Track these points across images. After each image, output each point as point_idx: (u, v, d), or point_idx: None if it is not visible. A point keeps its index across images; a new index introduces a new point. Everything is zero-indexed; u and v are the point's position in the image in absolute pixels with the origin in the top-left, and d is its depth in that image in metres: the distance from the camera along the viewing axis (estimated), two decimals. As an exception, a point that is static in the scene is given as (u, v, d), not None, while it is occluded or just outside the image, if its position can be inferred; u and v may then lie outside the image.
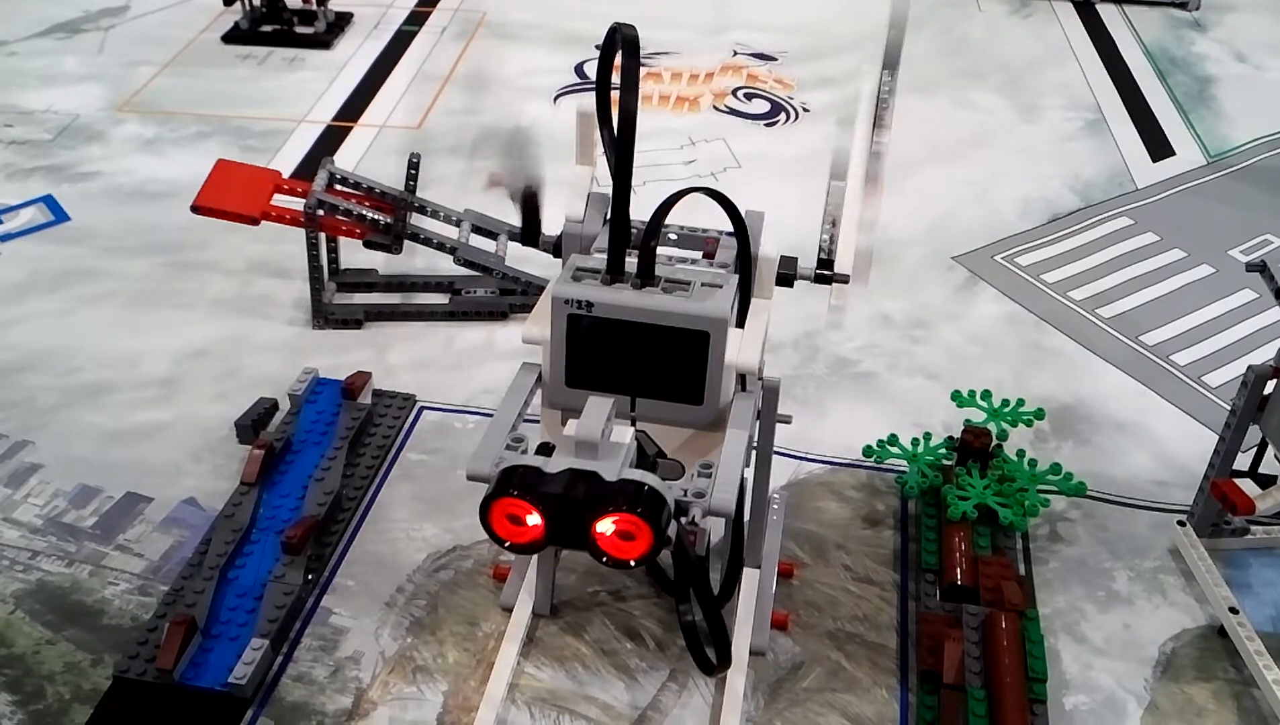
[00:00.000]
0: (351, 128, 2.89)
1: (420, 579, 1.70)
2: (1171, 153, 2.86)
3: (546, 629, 1.62)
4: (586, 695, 1.54)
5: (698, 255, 1.46)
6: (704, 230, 1.48)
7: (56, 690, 1.52)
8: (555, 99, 3.04)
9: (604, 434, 1.14)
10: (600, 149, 1.42)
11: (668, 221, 1.30)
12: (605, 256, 1.29)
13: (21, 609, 1.63)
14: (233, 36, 3.30)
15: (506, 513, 1.10)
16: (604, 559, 1.09)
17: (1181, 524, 1.76)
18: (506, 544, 1.12)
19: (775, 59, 3.26)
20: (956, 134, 2.91)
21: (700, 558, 1.18)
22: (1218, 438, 1.72)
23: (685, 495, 1.14)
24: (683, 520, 1.13)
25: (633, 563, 1.09)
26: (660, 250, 1.34)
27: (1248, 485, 1.59)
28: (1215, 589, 1.66)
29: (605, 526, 1.09)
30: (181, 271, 2.35)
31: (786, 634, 1.62)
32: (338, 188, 2.17)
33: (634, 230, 1.29)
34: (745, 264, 1.35)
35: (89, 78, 3.09)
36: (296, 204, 2.13)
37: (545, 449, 1.18)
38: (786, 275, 1.46)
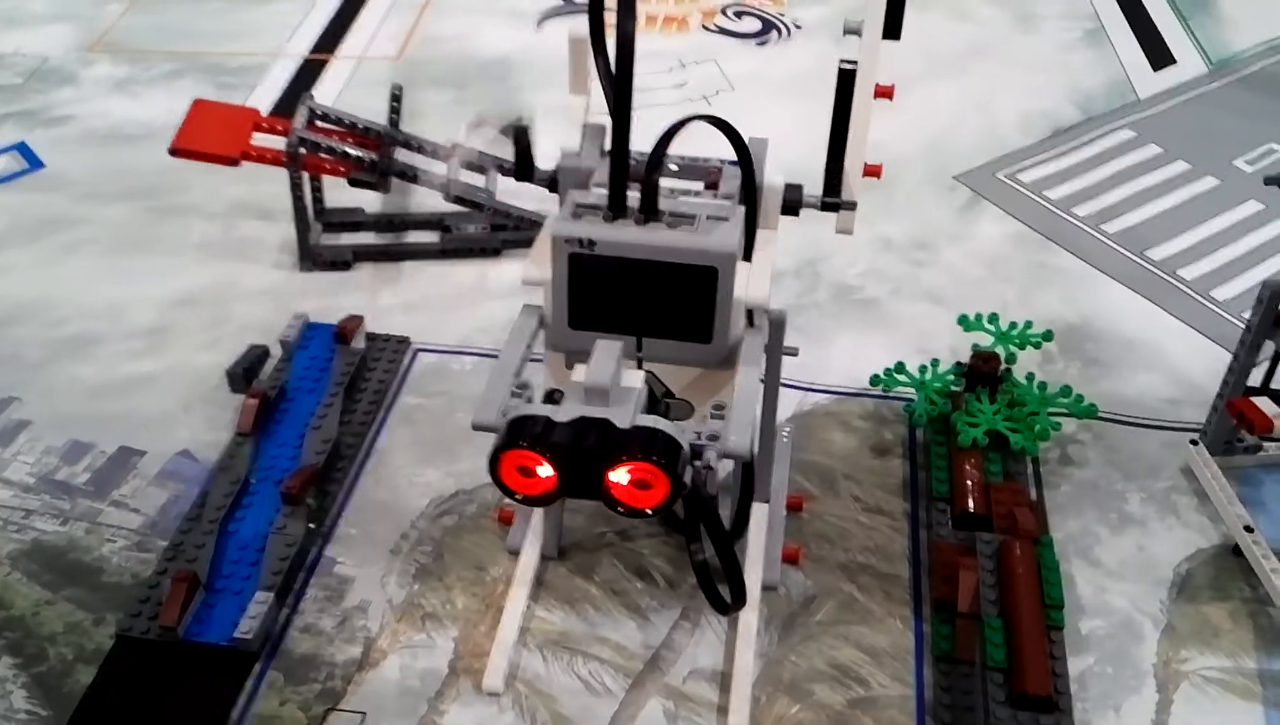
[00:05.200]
0: (328, 60, 2.80)
1: (424, 525, 1.67)
2: (1172, 61, 2.79)
3: (555, 572, 1.60)
4: (599, 636, 1.52)
5: (699, 186, 1.41)
6: (705, 160, 1.43)
7: (59, 651, 1.50)
8: (539, 23, 2.95)
9: (614, 379, 1.10)
10: (595, 77, 1.36)
11: (668, 151, 1.25)
12: (605, 192, 1.24)
13: (18, 570, 1.60)
14: (202, -32, 3.18)
15: (517, 465, 1.06)
16: (619, 509, 1.06)
17: (1194, 443, 1.74)
18: (518, 497, 1.08)
19: (764, -26, 3.16)
20: (953, 47, 2.83)
21: (713, 497, 1.14)
22: (1231, 355, 1.69)
23: (699, 438, 1.10)
24: (697, 463, 1.10)
25: (649, 512, 1.06)
26: (661, 182, 1.29)
27: (1264, 403, 1.57)
28: (1229, 508, 1.64)
29: (620, 476, 1.05)
30: (162, 216, 2.28)
31: (798, 568, 1.60)
32: (319, 124, 2.09)
33: (633, 161, 1.24)
34: (751, 195, 1.31)
35: (56, 18, 2.98)
36: (277, 143, 2.06)
37: (552, 396, 1.14)
38: (792, 203, 1.41)
